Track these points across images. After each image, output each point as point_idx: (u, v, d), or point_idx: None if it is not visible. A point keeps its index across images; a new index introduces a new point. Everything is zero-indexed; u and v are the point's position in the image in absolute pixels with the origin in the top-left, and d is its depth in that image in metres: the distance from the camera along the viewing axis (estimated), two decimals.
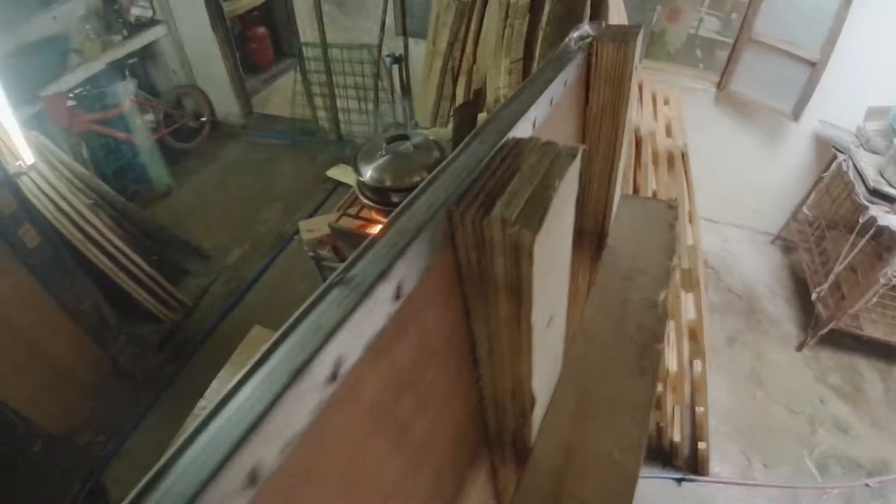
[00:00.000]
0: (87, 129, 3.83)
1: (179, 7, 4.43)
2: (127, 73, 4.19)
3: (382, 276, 0.39)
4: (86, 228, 2.76)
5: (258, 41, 5.55)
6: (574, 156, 0.60)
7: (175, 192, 4.23)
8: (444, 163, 0.57)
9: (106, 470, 2.69)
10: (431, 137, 2.25)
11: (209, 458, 0.28)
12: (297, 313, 0.36)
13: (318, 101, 4.51)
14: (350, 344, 0.36)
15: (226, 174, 4.50)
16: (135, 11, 4.23)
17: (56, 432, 2.77)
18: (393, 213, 0.48)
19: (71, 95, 3.75)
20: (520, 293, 0.52)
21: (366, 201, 2.11)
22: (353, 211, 2.22)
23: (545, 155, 0.60)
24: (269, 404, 0.30)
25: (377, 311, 0.39)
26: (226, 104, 4.92)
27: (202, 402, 2.06)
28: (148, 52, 4.48)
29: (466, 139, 0.63)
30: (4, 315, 2.54)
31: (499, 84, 1.99)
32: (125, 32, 4.18)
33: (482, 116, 2.29)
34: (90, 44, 3.93)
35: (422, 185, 0.53)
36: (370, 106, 4.32)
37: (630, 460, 0.69)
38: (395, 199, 2.03)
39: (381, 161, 2.06)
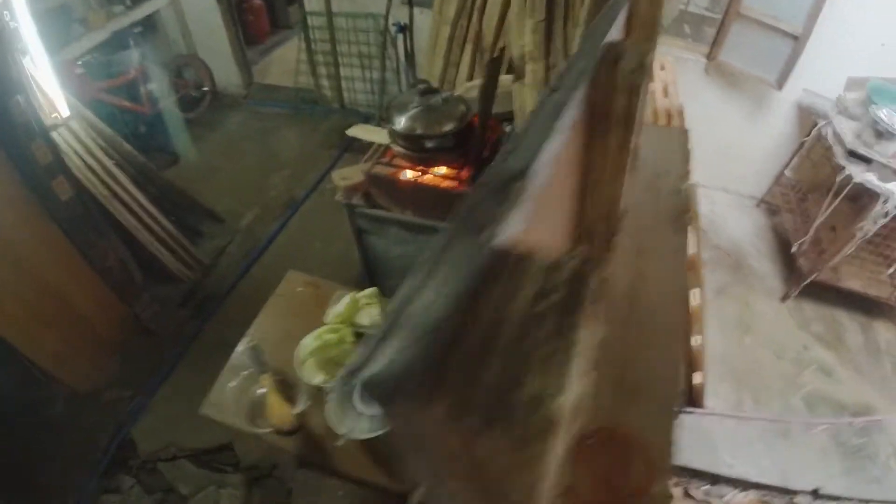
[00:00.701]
0: (95, 98, 3.88)
1: None
2: (131, 42, 4.22)
3: (576, 86, 0.58)
4: (112, 186, 2.84)
5: (255, 13, 5.60)
6: (652, 49, 0.83)
7: (181, 160, 4.30)
8: (578, 50, 0.78)
9: (134, 424, 2.76)
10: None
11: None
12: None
13: (322, 71, 4.61)
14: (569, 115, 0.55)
15: (230, 143, 4.58)
16: None
17: (81, 390, 2.83)
18: (564, 68, 0.67)
19: (79, 63, 3.80)
20: (628, 123, 0.76)
21: (398, 149, 2.27)
22: (384, 161, 2.37)
23: (633, 47, 0.82)
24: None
25: (574, 106, 0.58)
26: (226, 74, 4.97)
27: (246, 339, 2.19)
28: (149, 23, 4.50)
29: (584, 40, 0.84)
30: (34, 269, 2.57)
31: (523, 42, 2.15)
32: (128, 2, 4.21)
33: (504, 78, 2.45)
34: (93, 14, 3.96)
35: (570, 62, 0.73)
36: (374, 74, 4.43)
37: (679, 272, 0.92)
38: (428, 144, 2.18)
39: (413, 111, 2.22)
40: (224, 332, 3.06)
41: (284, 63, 5.31)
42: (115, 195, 2.85)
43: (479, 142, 2.33)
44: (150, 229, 3.09)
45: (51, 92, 2.47)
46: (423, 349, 0.31)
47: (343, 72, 4.56)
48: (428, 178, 2.30)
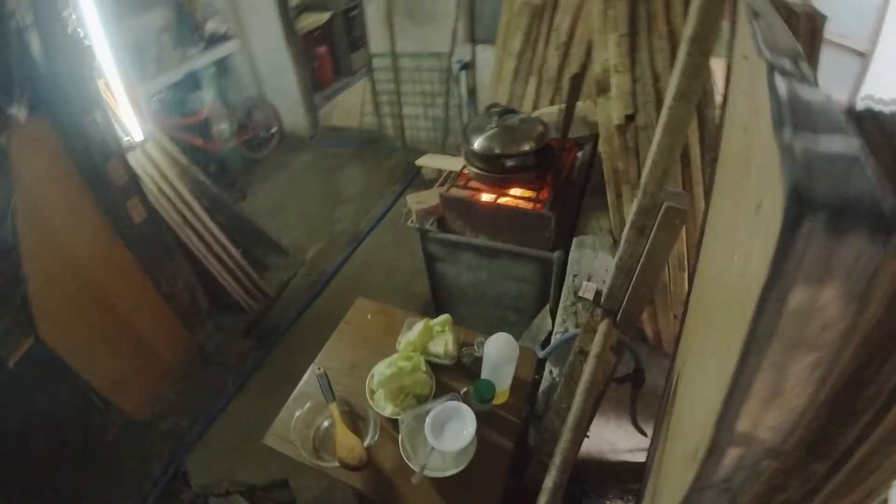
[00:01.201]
0: (168, 135, 4.01)
1: (252, 23, 4.68)
2: (204, 83, 4.39)
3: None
4: (184, 212, 2.86)
5: (320, 60, 5.80)
6: None
7: (249, 197, 4.38)
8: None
9: (189, 454, 2.67)
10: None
11: None
12: None
13: (385, 110, 4.68)
14: None
15: (296, 180, 4.66)
16: (210, 26, 4.44)
17: (138, 418, 2.78)
18: None
19: (154, 100, 3.96)
20: None
21: (474, 170, 2.19)
22: (459, 184, 2.30)
23: None
24: None
25: None
26: (294, 117, 5.12)
27: (313, 367, 2.10)
28: (221, 66, 4.69)
29: None
30: (101, 290, 2.53)
31: (606, 56, 2.07)
32: (201, 45, 4.41)
33: (581, 105, 2.38)
34: (167, 55, 4.14)
35: None
36: (437, 112, 4.45)
37: None
38: (507, 164, 2.10)
39: (490, 132, 2.15)
40: (287, 364, 3.00)
41: (348, 107, 5.44)
42: (187, 222, 2.87)
43: (557, 162, 2.23)
44: (218, 258, 3.09)
45: (127, 114, 2.50)
46: None
47: (406, 111, 4.61)
48: (507, 200, 2.21)
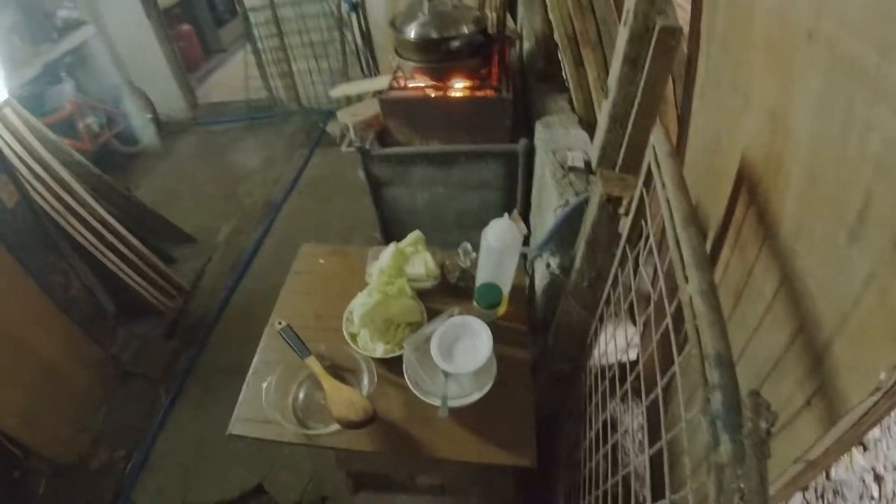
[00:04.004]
0: None
1: (106, 3, 4.08)
2: (63, 74, 3.75)
3: None
4: (63, 196, 2.32)
5: (185, 39, 5.18)
6: None
7: (134, 193, 3.79)
8: None
9: (135, 488, 2.21)
10: None
11: None
12: None
13: (273, 70, 4.23)
14: None
15: (186, 165, 4.12)
16: (61, 14, 3.89)
17: (62, 460, 2.25)
18: None
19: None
20: None
21: (412, 64, 1.93)
22: (397, 87, 2.01)
23: None
24: None
25: None
26: (167, 100, 4.52)
27: (269, 327, 1.74)
28: (78, 55, 4.05)
29: None
30: None
31: None
32: (55, 35, 3.80)
33: None
34: (19, 52, 3.54)
35: None
36: (332, 63, 4.08)
37: None
38: (451, 46, 1.85)
39: (424, 18, 1.90)
40: (225, 358, 2.60)
41: (228, 82, 4.94)
42: (70, 209, 2.32)
43: (501, 47, 2.01)
44: (117, 252, 2.57)
45: None
46: None
47: (296, 67, 4.19)
48: (456, 92, 1.95)
